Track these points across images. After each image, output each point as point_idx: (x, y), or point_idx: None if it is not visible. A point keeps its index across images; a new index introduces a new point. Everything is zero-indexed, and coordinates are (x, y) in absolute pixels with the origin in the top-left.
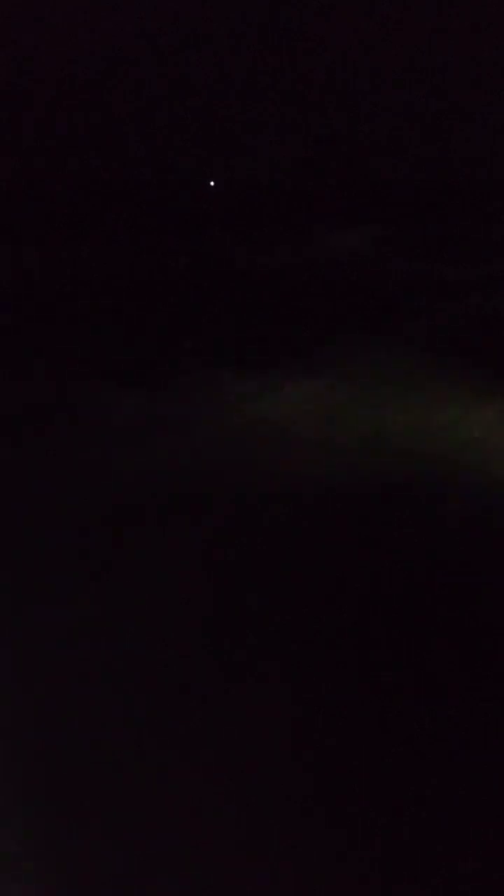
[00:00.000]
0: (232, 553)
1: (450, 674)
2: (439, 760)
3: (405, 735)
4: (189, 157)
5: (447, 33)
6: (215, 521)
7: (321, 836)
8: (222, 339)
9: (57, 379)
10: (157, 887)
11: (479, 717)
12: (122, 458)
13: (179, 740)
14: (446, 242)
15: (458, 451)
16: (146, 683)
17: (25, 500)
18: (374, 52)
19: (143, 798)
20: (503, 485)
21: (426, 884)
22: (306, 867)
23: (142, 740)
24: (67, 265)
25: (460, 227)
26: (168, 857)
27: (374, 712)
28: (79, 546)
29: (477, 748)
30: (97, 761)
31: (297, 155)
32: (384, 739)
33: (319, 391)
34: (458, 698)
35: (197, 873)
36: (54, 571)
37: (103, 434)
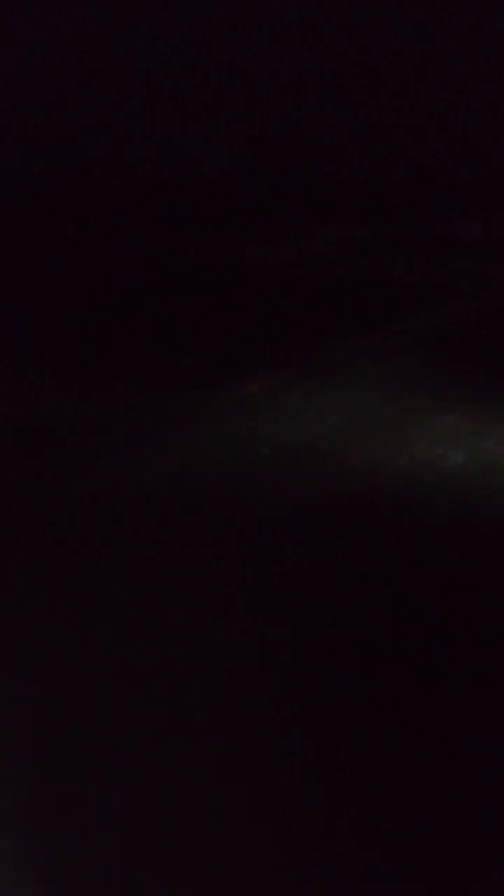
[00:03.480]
0: (229, 556)
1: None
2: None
3: (407, 737)
4: (171, 153)
5: (451, 30)
6: (213, 522)
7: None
8: (217, 339)
9: (55, 380)
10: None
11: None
12: (123, 460)
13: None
14: (448, 239)
15: (459, 458)
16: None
17: (28, 507)
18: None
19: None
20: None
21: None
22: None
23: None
24: (57, 262)
25: (462, 222)
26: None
27: (375, 715)
28: (76, 557)
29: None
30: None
31: (289, 146)
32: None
33: (320, 392)
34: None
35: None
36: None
37: (107, 434)
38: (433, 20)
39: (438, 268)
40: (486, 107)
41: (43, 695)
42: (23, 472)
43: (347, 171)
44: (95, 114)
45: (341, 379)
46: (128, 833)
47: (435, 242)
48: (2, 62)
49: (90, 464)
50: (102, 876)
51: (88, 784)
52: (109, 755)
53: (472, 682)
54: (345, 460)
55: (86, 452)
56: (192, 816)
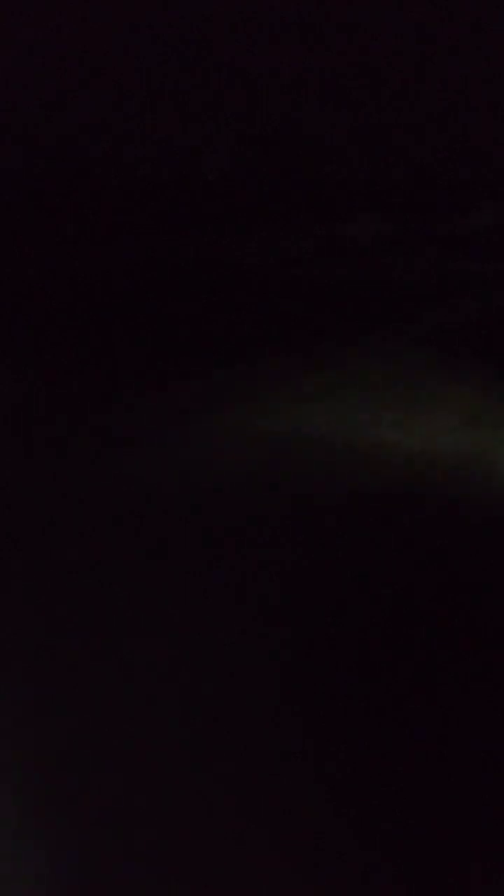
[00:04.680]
0: (235, 552)
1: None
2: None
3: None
4: (176, 150)
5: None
6: (213, 521)
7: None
8: (217, 340)
9: (55, 380)
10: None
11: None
12: (123, 460)
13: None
14: (458, 235)
15: (459, 457)
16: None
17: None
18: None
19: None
20: None
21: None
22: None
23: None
24: (57, 262)
25: (474, 218)
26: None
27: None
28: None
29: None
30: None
31: (299, 141)
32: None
33: (320, 391)
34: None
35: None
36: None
37: (107, 434)
38: (433, 20)
39: (438, 268)
40: (486, 107)
41: (43, 694)
42: (23, 472)
43: (347, 171)
44: (95, 114)
45: (341, 378)
46: (128, 833)
47: (435, 242)
48: (2, 62)
49: (90, 464)
50: (103, 876)
51: (89, 784)
52: (109, 755)
53: (472, 682)
54: (344, 459)
55: (86, 452)
56: (192, 816)
